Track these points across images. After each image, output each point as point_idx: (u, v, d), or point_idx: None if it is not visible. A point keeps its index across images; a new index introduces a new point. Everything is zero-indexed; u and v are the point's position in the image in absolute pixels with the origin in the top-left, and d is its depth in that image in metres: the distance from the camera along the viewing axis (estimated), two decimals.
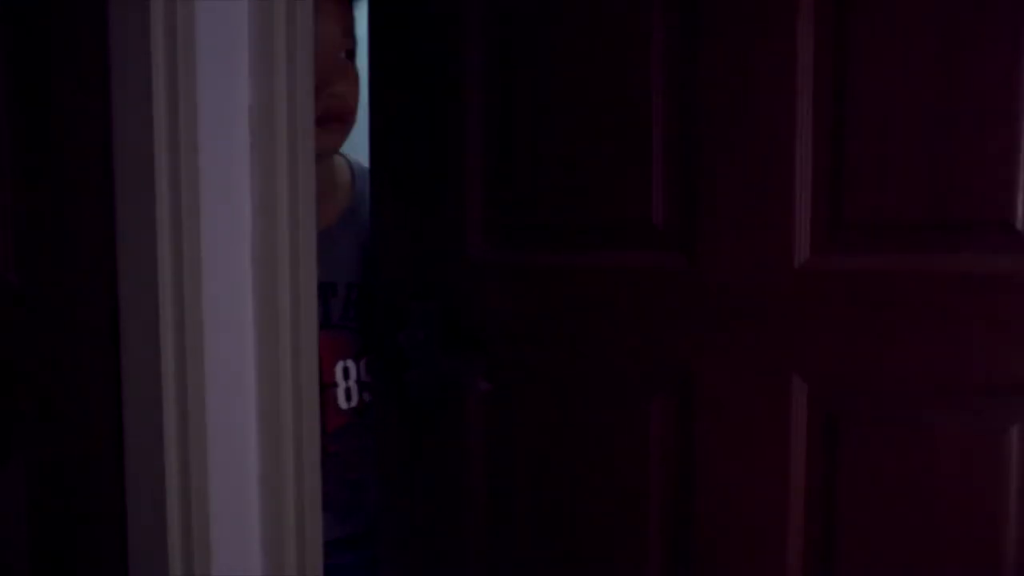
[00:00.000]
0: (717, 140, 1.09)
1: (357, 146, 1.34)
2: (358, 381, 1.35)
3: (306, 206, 1.08)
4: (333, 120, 1.25)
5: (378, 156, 1.24)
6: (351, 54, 1.28)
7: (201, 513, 1.00)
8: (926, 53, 1.03)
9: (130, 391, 0.99)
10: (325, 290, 1.29)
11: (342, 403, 1.34)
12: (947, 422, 1.04)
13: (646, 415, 1.14)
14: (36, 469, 0.96)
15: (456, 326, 1.20)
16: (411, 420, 1.22)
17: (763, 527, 1.10)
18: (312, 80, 1.09)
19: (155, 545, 0.99)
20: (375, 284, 1.26)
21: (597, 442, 1.16)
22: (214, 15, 1.00)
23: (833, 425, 1.08)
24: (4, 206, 0.93)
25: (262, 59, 1.04)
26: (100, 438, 0.99)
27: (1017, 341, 1.01)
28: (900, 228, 1.07)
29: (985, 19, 1.00)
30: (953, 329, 1.03)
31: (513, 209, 1.18)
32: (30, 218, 0.94)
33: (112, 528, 1.00)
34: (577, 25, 1.14)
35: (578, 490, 1.17)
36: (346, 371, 1.34)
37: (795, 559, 1.09)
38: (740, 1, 1.08)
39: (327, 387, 1.32)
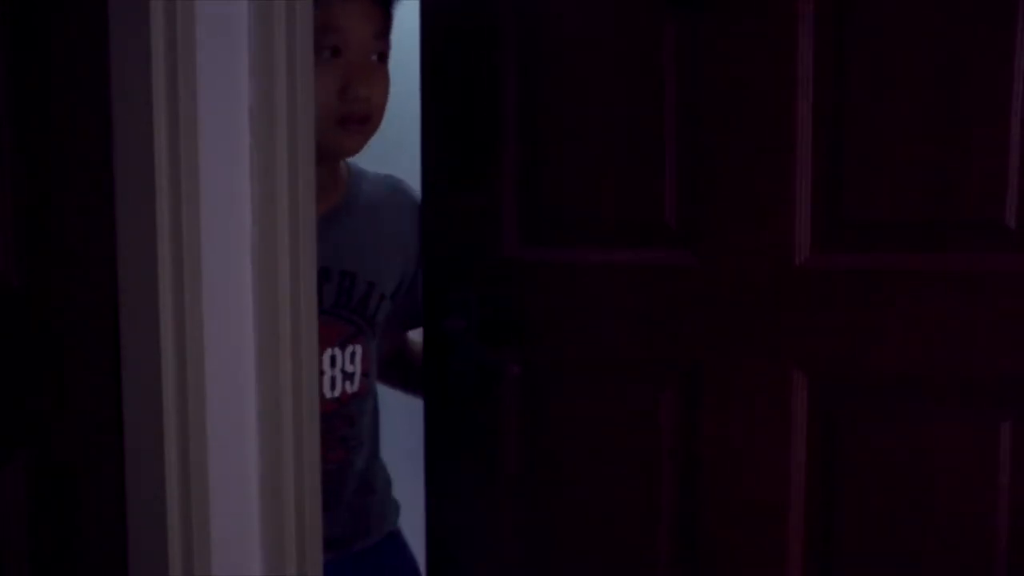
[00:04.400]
0: (723, 146, 1.15)
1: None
2: (343, 370, 1.36)
3: (306, 206, 1.08)
4: (355, 122, 1.25)
5: (427, 162, 1.34)
6: (383, 57, 1.28)
7: (201, 513, 1.00)
8: (921, 63, 1.07)
9: (130, 391, 0.99)
10: (319, 275, 1.30)
11: (327, 392, 1.34)
12: (940, 415, 1.08)
13: (657, 403, 1.22)
14: (36, 469, 0.96)
15: (493, 316, 1.30)
16: (454, 399, 1.32)
17: (765, 512, 1.16)
18: (312, 81, 1.09)
19: (155, 545, 0.99)
20: (423, 275, 1.36)
21: (614, 427, 1.25)
22: (214, 15, 1.00)
23: (832, 416, 1.12)
24: (4, 206, 0.93)
25: (262, 59, 1.04)
26: (100, 438, 0.99)
27: (1007, 338, 1.03)
28: (895, 228, 1.10)
29: (977, 31, 1.04)
30: (946, 326, 1.06)
31: (543, 211, 1.29)
32: (30, 218, 0.94)
33: (112, 528, 1.00)
34: (599, 46, 1.24)
35: (597, 469, 1.25)
36: (333, 359, 1.35)
37: (796, 542, 1.13)
38: (741, 19, 1.14)
39: None
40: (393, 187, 1.43)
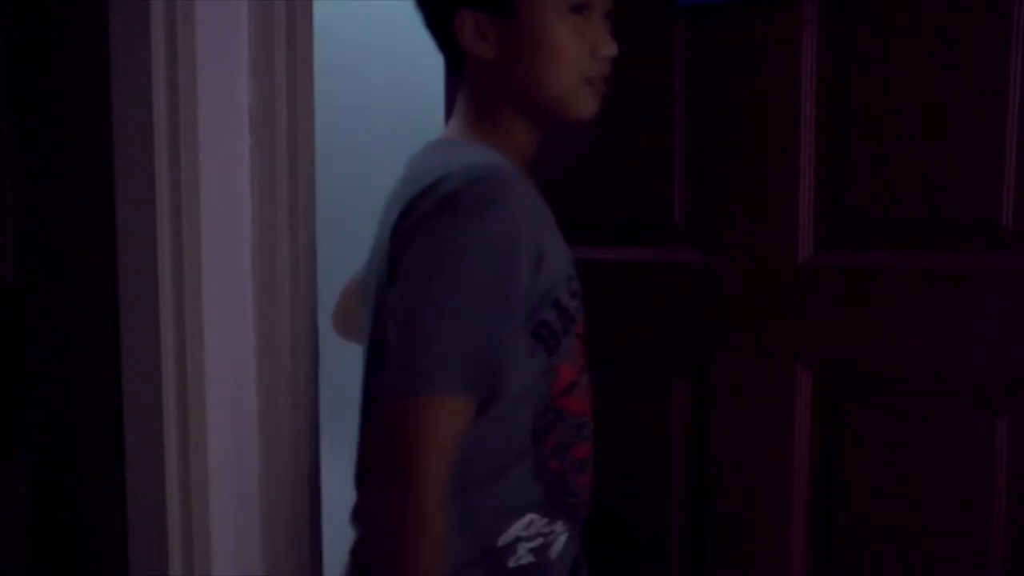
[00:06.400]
0: (729, 147, 1.18)
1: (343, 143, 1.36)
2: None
3: (306, 206, 1.08)
4: (602, 82, 1.19)
5: None
6: (609, 16, 1.20)
7: (201, 513, 1.00)
8: (919, 67, 1.08)
9: (130, 391, 0.99)
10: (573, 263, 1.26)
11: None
12: (939, 410, 1.10)
13: (670, 392, 1.25)
14: (36, 469, 0.96)
15: None
16: None
17: (770, 497, 1.18)
18: (311, 82, 1.10)
19: (155, 545, 0.99)
20: None
21: (630, 413, 1.29)
22: (214, 15, 1.00)
23: (833, 408, 1.16)
24: (4, 206, 0.93)
25: (262, 59, 1.04)
26: (100, 438, 0.99)
27: (1004, 335, 1.04)
28: (895, 227, 1.11)
29: (974, 37, 1.06)
30: (944, 322, 1.07)
31: (563, 213, 1.33)
32: (30, 218, 0.94)
33: (112, 528, 1.00)
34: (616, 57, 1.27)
35: (615, 452, 1.28)
36: None
37: (800, 526, 1.17)
38: (746, 27, 1.17)
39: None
40: None
